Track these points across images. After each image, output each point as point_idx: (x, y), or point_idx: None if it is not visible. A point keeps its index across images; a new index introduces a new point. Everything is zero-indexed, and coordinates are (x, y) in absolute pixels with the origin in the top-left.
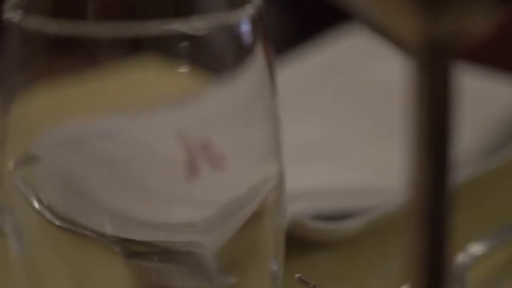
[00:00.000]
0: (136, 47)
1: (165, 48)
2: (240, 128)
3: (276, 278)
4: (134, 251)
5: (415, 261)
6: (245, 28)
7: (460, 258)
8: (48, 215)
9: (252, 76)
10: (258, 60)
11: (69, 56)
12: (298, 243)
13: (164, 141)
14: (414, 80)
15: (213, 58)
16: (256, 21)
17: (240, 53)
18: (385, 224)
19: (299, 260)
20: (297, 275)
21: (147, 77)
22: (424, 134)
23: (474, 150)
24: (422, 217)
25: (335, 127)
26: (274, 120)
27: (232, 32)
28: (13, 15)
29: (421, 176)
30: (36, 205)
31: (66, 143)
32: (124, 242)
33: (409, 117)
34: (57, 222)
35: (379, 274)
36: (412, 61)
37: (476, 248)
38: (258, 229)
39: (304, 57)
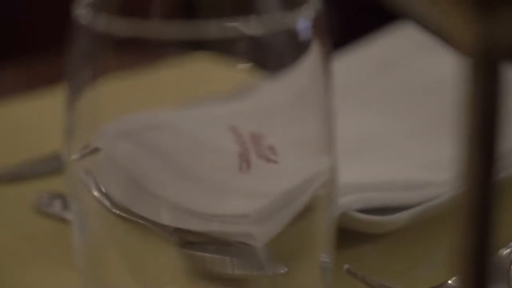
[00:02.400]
0: (195, 45)
1: (223, 46)
2: (294, 122)
3: (325, 269)
4: (188, 240)
5: (460, 254)
6: (304, 27)
7: (504, 252)
8: (107, 204)
9: (307, 72)
10: (314, 56)
11: (132, 53)
12: (347, 234)
13: (218, 133)
14: (466, 78)
15: (271, 57)
16: (315, 20)
17: (297, 51)
18: (432, 217)
19: (348, 252)
20: (345, 266)
21: (204, 72)
22: (474, 130)
23: None
24: (469, 211)
25: (386, 120)
26: (328, 115)
27: (290, 31)
28: (82, 14)
29: (469, 171)
30: (97, 194)
31: (125, 135)
32: (178, 232)
33: (460, 113)
34: (116, 211)
35: (426, 266)
36: (465, 60)
37: None
38: (309, 221)
39: (357, 50)
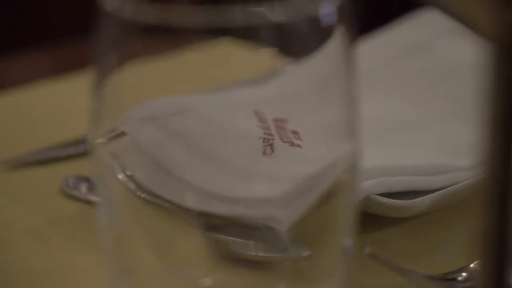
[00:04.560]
0: (219, 31)
1: (248, 32)
2: (317, 107)
3: (348, 253)
4: (212, 224)
5: (480, 239)
6: (328, 13)
7: None
8: (133, 187)
9: (331, 58)
10: (338, 42)
11: (158, 39)
12: (369, 218)
13: (242, 118)
14: (488, 64)
15: (295, 42)
16: (339, 6)
17: (321, 37)
18: (454, 201)
19: (370, 235)
20: (367, 249)
21: (227, 57)
22: (494, 115)
23: None
24: (489, 196)
25: (410, 105)
26: (351, 100)
27: (315, 17)
28: (108, 1)
29: (489, 156)
30: (122, 177)
31: (150, 119)
32: (203, 215)
33: (481, 98)
34: (142, 194)
35: (448, 250)
36: (487, 46)
37: None
38: (332, 206)
39: (380, 35)
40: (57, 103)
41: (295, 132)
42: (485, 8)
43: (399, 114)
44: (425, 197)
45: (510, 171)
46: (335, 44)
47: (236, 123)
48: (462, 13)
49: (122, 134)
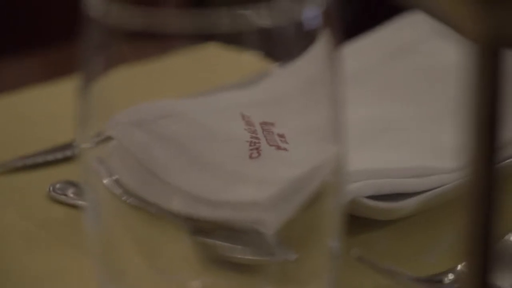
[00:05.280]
0: (206, 36)
1: (234, 36)
2: (303, 110)
3: (335, 255)
4: (199, 228)
5: (466, 240)
6: (313, 17)
7: (511, 237)
8: (120, 192)
9: (317, 61)
10: (324, 46)
11: (144, 44)
12: (357, 221)
13: (229, 121)
14: (472, 65)
15: (281, 46)
16: (324, 10)
17: (307, 41)
18: (441, 203)
19: (357, 238)
20: (354, 252)
21: (214, 61)
22: (478, 117)
23: None
24: (473, 198)
25: (397, 107)
26: (336, 103)
27: (300, 21)
28: (93, 6)
29: (473, 158)
30: (109, 182)
31: (138, 123)
32: (190, 219)
33: (465, 100)
34: (128, 199)
35: (435, 252)
36: (472, 48)
37: None
38: (318, 208)
39: (367, 38)
40: (45, 108)
41: (281, 136)
42: (469, 10)
43: (386, 116)
44: (411, 199)
45: (494, 172)
46: (321, 47)
47: (223, 126)
48: (447, 15)
49: (109, 138)
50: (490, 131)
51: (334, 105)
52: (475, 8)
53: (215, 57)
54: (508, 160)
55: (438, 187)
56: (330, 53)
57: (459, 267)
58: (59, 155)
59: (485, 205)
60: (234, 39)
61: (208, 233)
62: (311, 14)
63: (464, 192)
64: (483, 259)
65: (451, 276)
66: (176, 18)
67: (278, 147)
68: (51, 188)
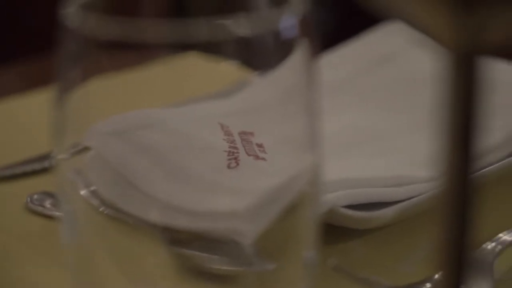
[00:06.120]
0: (184, 45)
1: (212, 46)
2: (281, 120)
3: (312, 265)
4: (177, 238)
5: (440, 249)
6: (289, 26)
7: (489, 246)
8: (97, 203)
9: (293, 71)
10: (300, 55)
11: (122, 54)
12: (334, 230)
13: (208, 131)
14: (447, 73)
15: (259, 55)
16: (301, 19)
17: (284, 50)
18: (418, 212)
19: (335, 247)
20: (331, 261)
21: (193, 71)
22: (452, 125)
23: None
24: (447, 207)
25: (375, 116)
26: (313, 113)
27: (277, 30)
28: (69, 16)
29: (447, 167)
30: (86, 193)
31: (115, 133)
32: (167, 230)
33: (440, 109)
34: (106, 210)
35: (412, 261)
36: (448, 56)
37: (505, 237)
38: (295, 218)
39: (346, 47)
40: (23, 119)
41: (260, 145)
42: (445, 18)
43: (364, 126)
44: (388, 208)
45: (469, 182)
46: (297, 57)
47: (202, 136)
48: (424, 23)
49: (87, 149)
50: (465, 140)
51: (311, 115)
52: (450, 15)
53: (194, 67)
54: (485, 169)
55: (416, 196)
56: (307, 62)
57: (436, 276)
58: (37, 166)
59: (460, 215)
60: (212, 48)
61: (186, 243)
62: (288, 23)
63: (439, 201)
64: (458, 268)
65: (428, 285)
66: (153, 28)
67: (257, 157)
68: (29, 199)
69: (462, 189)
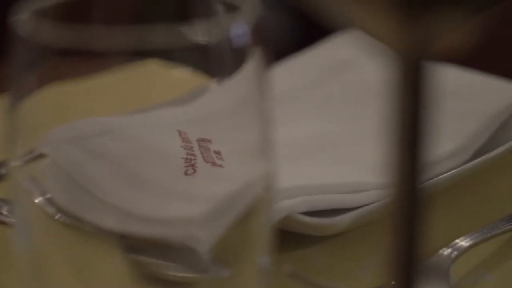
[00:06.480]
0: (138, 52)
1: (166, 52)
2: (236, 128)
3: (267, 271)
4: (133, 245)
5: (390, 257)
6: (241, 33)
7: (445, 252)
8: (52, 210)
9: (246, 79)
10: (253, 64)
11: (75, 61)
12: (291, 237)
13: (166, 138)
14: (394, 81)
15: (214, 62)
16: (253, 26)
17: (239, 57)
18: (376, 219)
19: (293, 254)
20: (286, 268)
21: (149, 78)
22: (401, 134)
23: (466, 146)
24: (397, 215)
25: (331, 124)
26: (265, 122)
27: (231, 38)
28: (21, 24)
29: (396, 175)
30: (41, 200)
31: (71, 140)
32: (123, 237)
33: (388, 117)
34: (61, 217)
35: (369, 268)
36: (394, 62)
37: (462, 243)
38: (250, 225)
39: (300, 57)
40: None
41: (218, 152)
42: (392, 23)
43: (323, 133)
44: (346, 214)
45: (417, 189)
46: (250, 65)
47: (159, 143)
48: (374, 30)
49: (41, 156)
50: (413, 146)
51: (263, 123)
52: (397, 21)
53: (151, 74)
54: (441, 176)
55: (373, 202)
56: (259, 71)
57: (393, 282)
58: None
59: (409, 224)
60: (169, 55)
61: (142, 250)
62: (240, 31)
63: (388, 210)
64: (408, 277)
65: None
66: (108, 35)
67: (214, 164)
68: None
69: (411, 197)
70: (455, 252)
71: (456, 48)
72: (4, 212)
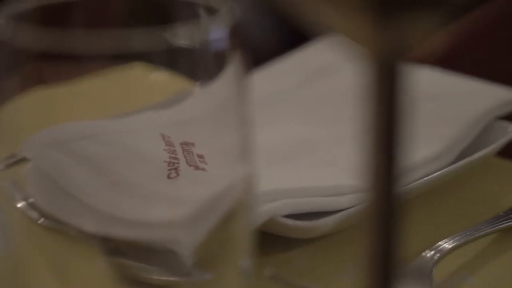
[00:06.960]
0: (120, 55)
1: (147, 56)
2: (217, 132)
3: (248, 274)
4: (115, 248)
5: (368, 260)
6: (222, 37)
7: (428, 254)
8: (34, 214)
9: (227, 83)
10: (232, 67)
11: (57, 65)
12: (274, 239)
13: (149, 142)
14: (370, 84)
15: (192, 65)
16: (232, 30)
17: (219, 61)
18: (357, 222)
19: (275, 256)
20: (268, 271)
21: (131, 82)
22: (377, 138)
23: (450, 149)
24: (373, 219)
25: (315, 127)
26: (245, 125)
27: (210, 42)
28: (2, 26)
29: (373, 179)
30: (24, 204)
31: (53, 144)
32: (106, 240)
33: (364, 120)
34: (42, 221)
35: (352, 271)
36: (367, 67)
37: (444, 245)
38: (231, 227)
39: (281, 62)
40: None
41: (200, 156)
42: (366, 25)
43: (306, 136)
44: (329, 217)
45: (394, 192)
46: (230, 69)
47: (142, 147)
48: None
49: (24, 160)
50: (389, 149)
51: (243, 127)
52: (371, 22)
53: (134, 78)
54: (422, 179)
55: (356, 205)
56: (239, 75)
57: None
58: None
59: (385, 228)
60: (152, 59)
61: (124, 253)
62: (219, 34)
63: (366, 214)
64: (384, 281)
65: None
66: (88, 39)
67: (197, 167)
68: None
69: (387, 200)
70: (438, 254)
71: (431, 51)
72: None
